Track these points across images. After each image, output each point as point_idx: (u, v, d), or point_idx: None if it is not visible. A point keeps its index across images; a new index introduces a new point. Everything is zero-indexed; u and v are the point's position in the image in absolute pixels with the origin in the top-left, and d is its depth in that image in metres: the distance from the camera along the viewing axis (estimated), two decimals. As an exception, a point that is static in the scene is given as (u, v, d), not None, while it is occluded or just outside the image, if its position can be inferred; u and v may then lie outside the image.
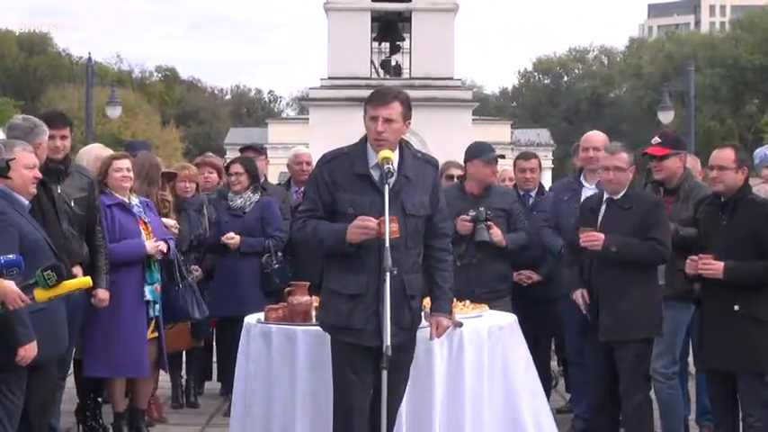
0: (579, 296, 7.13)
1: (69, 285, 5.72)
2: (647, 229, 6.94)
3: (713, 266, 6.46)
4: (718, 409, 6.87)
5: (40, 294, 5.57)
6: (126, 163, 7.79)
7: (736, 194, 6.65)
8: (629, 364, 6.97)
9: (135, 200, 7.84)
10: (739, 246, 6.49)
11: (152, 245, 7.70)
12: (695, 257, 6.55)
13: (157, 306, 7.83)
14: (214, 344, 9.81)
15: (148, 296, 7.73)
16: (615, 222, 7.00)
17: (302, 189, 9.64)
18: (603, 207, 7.12)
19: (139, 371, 7.75)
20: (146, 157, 8.60)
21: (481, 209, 7.85)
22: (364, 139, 5.65)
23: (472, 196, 8.06)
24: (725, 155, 6.68)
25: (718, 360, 6.61)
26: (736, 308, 6.46)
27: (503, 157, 8.25)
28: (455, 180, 9.02)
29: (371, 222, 5.35)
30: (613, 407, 7.16)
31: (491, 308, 7.21)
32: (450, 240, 5.92)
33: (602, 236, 6.87)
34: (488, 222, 7.86)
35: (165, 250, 7.80)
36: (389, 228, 5.29)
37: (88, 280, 6.10)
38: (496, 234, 7.87)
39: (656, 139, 7.67)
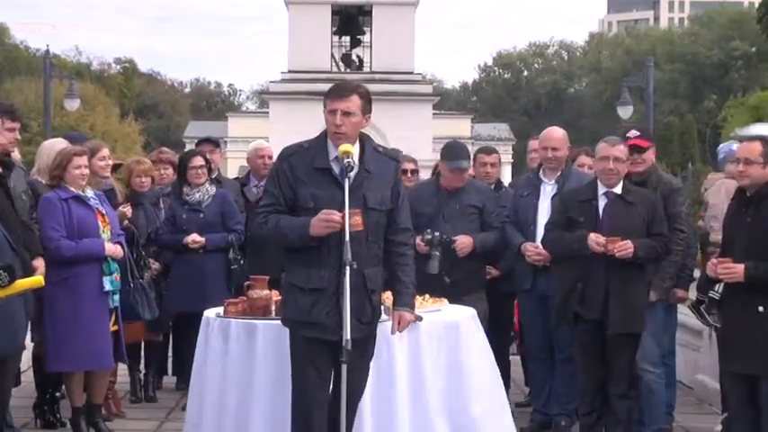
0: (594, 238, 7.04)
1: (21, 285, 5.70)
2: (652, 224, 7.08)
3: (733, 269, 6.23)
4: (736, 412, 6.64)
5: None
6: (85, 159, 7.74)
7: (760, 189, 6.34)
8: (627, 360, 7.14)
9: (90, 192, 7.78)
10: (764, 242, 6.21)
11: (110, 248, 7.65)
12: (714, 261, 6.38)
13: (116, 297, 7.79)
14: (171, 338, 9.75)
15: (108, 287, 7.68)
16: (620, 216, 7.06)
17: (263, 183, 9.64)
18: (603, 200, 7.16)
19: (103, 363, 7.72)
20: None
21: (436, 233, 7.69)
22: (324, 134, 5.65)
23: (446, 191, 8.07)
24: (752, 148, 6.40)
25: (742, 363, 6.37)
26: (761, 309, 6.19)
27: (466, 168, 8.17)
28: (409, 174, 9.04)
29: (336, 216, 5.35)
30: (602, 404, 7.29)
31: (465, 303, 7.21)
32: (410, 234, 5.91)
33: (630, 244, 6.91)
34: (451, 239, 7.76)
35: (121, 255, 7.79)
36: (353, 221, 5.31)
37: (40, 279, 6.07)
38: (462, 244, 7.79)
39: (635, 132, 7.64)
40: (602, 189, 7.21)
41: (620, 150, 7.18)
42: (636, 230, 7.04)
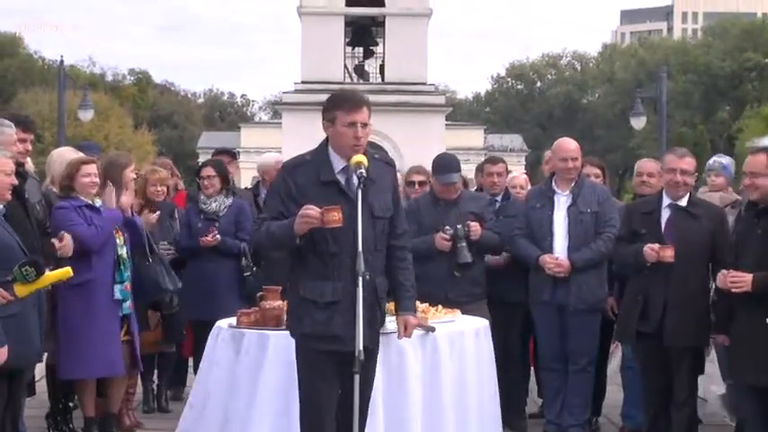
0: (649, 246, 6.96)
1: (50, 278, 5.73)
2: (713, 238, 6.93)
3: (742, 279, 6.21)
4: (750, 424, 6.60)
5: (21, 290, 5.57)
6: (94, 168, 7.77)
7: None
8: (689, 373, 7.00)
9: (99, 202, 7.82)
10: None
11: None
12: (725, 272, 6.34)
13: (125, 305, 7.84)
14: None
15: (118, 295, 7.73)
16: (683, 228, 6.96)
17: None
18: (666, 212, 7.09)
19: (115, 369, 7.74)
20: (106, 158, 8.61)
21: (459, 226, 7.83)
22: (325, 145, 5.61)
23: (444, 202, 8.09)
24: (757, 161, 6.40)
25: (750, 374, 6.35)
26: None
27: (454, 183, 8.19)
28: (416, 186, 9.04)
29: (311, 211, 5.30)
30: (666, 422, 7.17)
31: (467, 312, 7.22)
32: (408, 237, 5.93)
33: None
34: (469, 236, 7.85)
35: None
36: (329, 217, 5.26)
37: (68, 270, 6.08)
38: (475, 227, 7.88)
39: None
40: (666, 201, 7.12)
41: (688, 163, 7.08)
42: (699, 244, 6.92)
